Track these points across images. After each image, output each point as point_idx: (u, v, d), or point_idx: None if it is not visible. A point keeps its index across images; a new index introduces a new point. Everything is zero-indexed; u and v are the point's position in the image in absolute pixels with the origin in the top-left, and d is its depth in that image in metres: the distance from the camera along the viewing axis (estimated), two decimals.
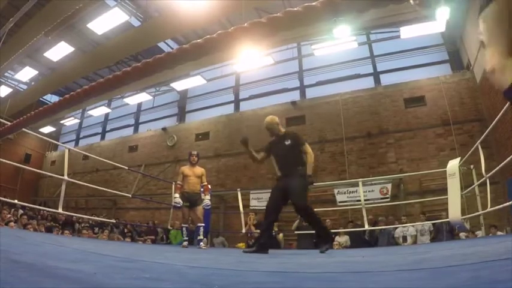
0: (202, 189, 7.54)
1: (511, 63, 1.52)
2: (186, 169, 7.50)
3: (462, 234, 9.07)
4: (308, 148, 5.42)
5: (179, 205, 7.23)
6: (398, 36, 13.12)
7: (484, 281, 1.14)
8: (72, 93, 1.73)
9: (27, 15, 11.73)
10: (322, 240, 5.26)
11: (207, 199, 7.37)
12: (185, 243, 7.22)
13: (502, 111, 5.85)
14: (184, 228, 7.37)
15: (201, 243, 7.02)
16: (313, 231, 9.30)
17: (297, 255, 3.68)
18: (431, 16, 11.15)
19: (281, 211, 5.39)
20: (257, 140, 14.79)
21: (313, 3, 1.08)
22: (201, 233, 7.18)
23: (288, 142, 5.43)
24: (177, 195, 7.28)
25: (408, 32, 12.52)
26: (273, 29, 1.16)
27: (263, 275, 1.78)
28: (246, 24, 1.18)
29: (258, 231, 11.05)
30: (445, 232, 9.09)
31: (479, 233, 8.34)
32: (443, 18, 11.11)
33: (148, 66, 1.39)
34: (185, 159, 15.96)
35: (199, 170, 7.59)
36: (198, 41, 1.28)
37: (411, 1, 1.19)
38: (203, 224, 7.32)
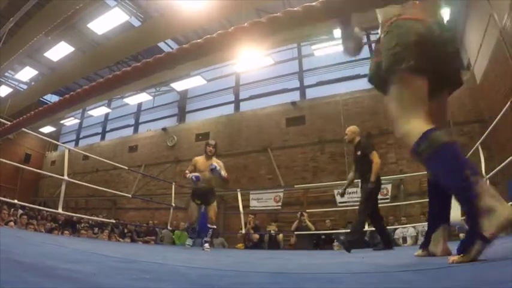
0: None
1: (412, 128, 1.97)
2: (199, 161, 6.73)
3: (462, 235, 9.07)
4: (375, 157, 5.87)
5: (196, 180, 6.37)
6: None
7: (484, 282, 1.14)
8: (72, 93, 1.73)
9: (27, 15, 11.74)
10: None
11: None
12: (189, 241, 6.95)
13: (502, 112, 5.86)
14: (190, 229, 7.06)
15: (206, 244, 6.51)
16: (312, 232, 9.40)
17: (296, 256, 3.68)
18: None
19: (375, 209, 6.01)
20: (258, 140, 14.80)
21: (313, 3, 1.08)
22: (209, 235, 6.69)
23: (358, 153, 6.04)
24: (190, 173, 6.53)
25: None
26: (272, 29, 1.16)
27: (263, 275, 1.78)
28: (245, 24, 1.18)
29: (256, 233, 11.09)
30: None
31: None
32: (443, 19, 11.11)
33: (148, 66, 1.39)
34: (185, 160, 16.10)
35: (213, 162, 6.68)
36: (198, 41, 1.28)
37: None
38: (214, 226, 6.82)
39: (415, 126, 1.96)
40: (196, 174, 6.45)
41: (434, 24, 2.17)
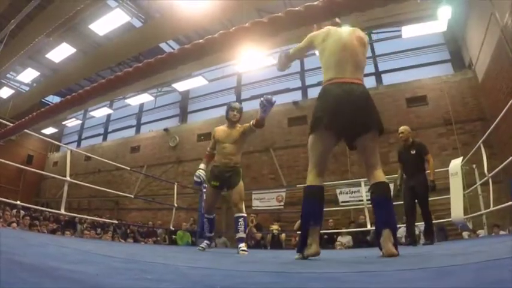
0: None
1: (309, 176, 3.04)
2: (220, 131, 5.45)
3: (465, 234, 9.07)
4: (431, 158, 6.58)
5: (199, 180, 5.31)
6: (400, 36, 13.14)
7: (487, 281, 1.14)
8: (74, 94, 1.73)
9: (29, 17, 11.77)
10: (427, 235, 6.35)
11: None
12: (204, 243, 5.44)
13: (504, 110, 5.84)
14: (206, 221, 5.49)
15: (241, 244, 4.97)
16: None
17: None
18: (433, 15, 11.15)
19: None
20: (260, 140, 14.81)
21: (315, 3, 1.08)
22: (242, 227, 5.15)
23: (413, 152, 6.52)
24: (202, 165, 5.43)
25: (410, 32, 12.53)
26: (274, 29, 1.16)
27: (266, 275, 1.78)
28: (247, 24, 1.18)
29: (258, 232, 11.10)
30: (435, 233, 9.11)
31: (482, 233, 8.34)
32: (445, 18, 11.10)
33: (150, 67, 1.39)
34: (187, 160, 16.12)
35: (236, 132, 5.41)
36: (200, 41, 1.28)
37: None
38: (243, 214, 5.22)
39: (309, 176, 3.03)
40: (199, 174, 5.33)
41: (347, 86, 2.91)
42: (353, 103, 2.84)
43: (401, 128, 6.75)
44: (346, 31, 3.23)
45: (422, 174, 6.36)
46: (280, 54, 3.59)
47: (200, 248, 5.37)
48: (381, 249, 2.84)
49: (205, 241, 5.49)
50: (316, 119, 2.93)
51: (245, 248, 4.93)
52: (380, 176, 2.97)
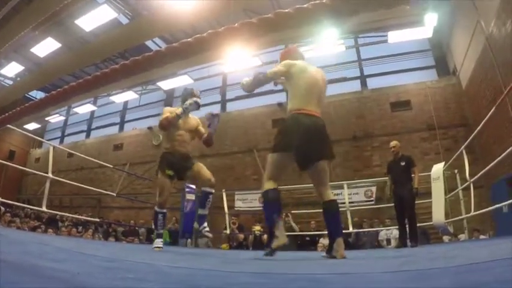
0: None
1: (267, 183, 3.42)
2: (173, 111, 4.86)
3: (446, 238, 9.18)
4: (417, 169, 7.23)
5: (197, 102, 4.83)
6: (386, 41, 13.26)
7: (468, 283, 1.15)
8: (59, 89, 1.71)
9: (15, 10, 11.61)
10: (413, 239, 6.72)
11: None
12: (159, 241, 4.70)
13: (486, 117, 5.93)
14: (160, 216, 4.80)
15: (205, 223, 4.79)
16: (297, 233, 9.51)
17: (281, 256, 3.69)
18: (419, 22, 11.26)
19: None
20: (244, 141, 14.82)
21: (305, 6, 1.09)
22: (209, 203, 4.82)
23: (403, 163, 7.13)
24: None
25: (396, 37, 12.65)
26: (263, 30, 1.16)
27: (249, 275, 1.78)
28: (236, 24, 1.18)
29: (240, 233, 11.11)
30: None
31: (462, 237, 8.44)
32: (431, 24, 11.22)
33: (137, 64, 1.38)
34: None
35: (194, 121, 5.16)
36: (188, 40, 1.28)
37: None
38: (212, 191, 4.86)
39: (267, 183, 3.41)
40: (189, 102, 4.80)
41: (313, 118, 3.40)
42: (317, 133, 3.37)
43: (393, 143, 7.40)
44: (316, 70, 3.76)
45: (409, 183, 6.92)
46: (257, 74, 3.80)
47: (156, 248, 4.57)
48: (329, 252, 3.38)
49: (160, 239, 4.75)
50: (283, 142, 3.39)
51: (208, 231, 4.81)
52: (330, 194, 3.50)
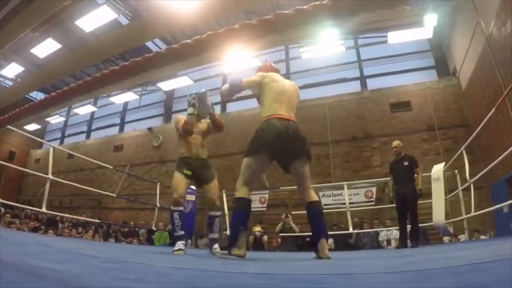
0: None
1: (240, 189, 3.54)
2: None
3: (446, 238, 9.17)
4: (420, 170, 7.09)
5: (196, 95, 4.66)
6: (386, 42, 13.27)
7: (468, 284, 1.15)
8: (58, 91, 1.71)
9: (15, 11, 11.61)
10: (413, 239, 6.69)
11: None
12: (180, 243, 4.36)
13: (486, 118, 5.92)
14: (177, 215, 4.48)
15: (216, 245, 4.64)
16: (297, 234, 9.48)
17: (281, 257, 3.70)
18: (419, 22, 11.26)
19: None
20: (243, 142, 14.81)
21: (305, 7, 1.09)
22: (217, 227, 4.82)
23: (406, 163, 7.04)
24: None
25: (395, 38, 12.65)
26: (263, 31, 1.16)
27: (249, 276, 1.78)
28: (236, 25, 1.18)
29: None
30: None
31: (463, 237, 8.43)
32: (431, 25, 11.22)
33: (137, 65, 1.38)
34: (170, 160, 16.01)
35: (204, 123, 5.06)
36: (188, 41, 1.28)
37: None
38: (218, 213, 4.88)
39: (241, 189, 3.52)
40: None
41: (285, 122, 3.52)
42: (290, 135, 3.46)
43: (395, 143, 7.29)
44: (285, 80, 3.97)
45: (412, 183, 6.86)
46: (233, 81, 3.94)
47: (177, 251, 4.29)
48: (316, 252, 3.52)
49: (181, 242, 4.42)
50: (258, 145, 3.52)
51: (218, 248, 4.58)
52: (313, 195, 3.61)
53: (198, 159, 4.77)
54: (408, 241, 6.86)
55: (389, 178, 7.43)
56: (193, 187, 9.08)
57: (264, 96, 3.77)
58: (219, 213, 4.91)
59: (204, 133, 4.99)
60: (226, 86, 4.03)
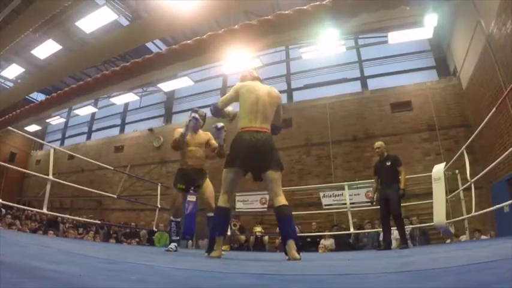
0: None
1: (221, 197, 3.80)
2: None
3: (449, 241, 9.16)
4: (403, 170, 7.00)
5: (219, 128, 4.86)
6: (386, 42, 13.25)
7: (469, 284, 1.15)
8: (59, 92, 1.71)
9: (16, 12, 11.62)
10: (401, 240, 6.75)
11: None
12: (173, 245, 5.09)
13: (487, 118, 5.92)
14: (173, 224, 5.30)
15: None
16: (298, 234, 9.46)
17: (282, 258, 3.70)
18: (420, 22, 11.25)
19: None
20: None
21: (305, 7, 1.09)
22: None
23: (388, 163, 7.04)
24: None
25: (396, 38, 12.63)
26: (263, 31, 1.16)
27: (249, 277, 1.78)
28: (236, 26, 1.18)
29: (241, 235, 11.09)
30: (417, 237, 9.19)
31: (464, 237, 8.43)
32: (431, 25, 11.21)
33: (137, 66, 1.38)
34: (171, 161, 16.02)
35: (203, 136, 5.40)
36: (188, 42, 1.28)
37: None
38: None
39: (221, 198, 3.80)
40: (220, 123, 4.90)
41: (255, 134, 3.68)
42: (258, 148, 3.63)
43: (377, 144, 7.34)
44: (262, 88, 4.02)
45: (396, 184, 6.81)
46: (211, 106, 4.17)
47: (170, 249, 5.02)
48: (286, 254, 3.55)
49: (174, 244, 5.15)
50: (230, 159, 3.77)
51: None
52: (282, 200, 3.69)
53: (193, 170, 5.23)
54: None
55: (374, 179, 7.42)
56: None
57: (240, 108, 3.95)
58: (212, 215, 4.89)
59: (203, 145, 5.38)
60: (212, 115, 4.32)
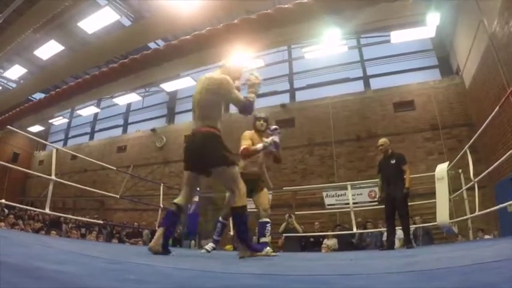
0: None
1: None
2: (255, 136, 5.06)
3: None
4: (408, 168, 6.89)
5: (274, 143, 4.73)
6: (389, 41, 13.24)
7: (473, 284, 1.13)
8: (57, 90, 1.70)
9: (17, 12, 11.64)
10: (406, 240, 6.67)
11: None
12: (210, 245, 5.19)
13: (490, 117, 5.90)
14: (219, 224, 5.29)
15: (267, 248, 4.58)
16: (300, 234, 9.45)
17: (284, 258, 3.69)
18: (422, 21, 11.23)
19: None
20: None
21: (305, 0, 1.07)
22: (268, 231, 4.89)
23: (393, 161, 6.89)
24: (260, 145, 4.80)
25: (398, 37, 12.62)
26: (263, 26, 1.14)
27: (251, 277, 1.77)
28: (235, 20, 1.17)
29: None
30: (420, 237, 9.16)
31: (460, 237, 8.44)
32: (434, 24, 11.19)
33: (136, 63, 1.37)
34: (174, 161, 16.05)
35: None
36: (187, 37, 1.27)
37: None
38: (267, 220, 4.96)
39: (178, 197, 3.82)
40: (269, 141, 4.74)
41: (191, 136, 3.78)
42: (193, 149, 3.70)
43: (381, 141, 7.17)
44: (201, 83, 3.95)
45: (401, 182, 6.64)
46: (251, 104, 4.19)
47: (205, 250, 5.14)
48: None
49: (211, 245, 5.24)
50: (183, 161, 3.81)
51: (271, 250, 4.74)
52: (233, 200, 3.67)
53: (252, 173, 4.98)
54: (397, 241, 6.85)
55: (378, 178, 7.30)
56: (197, 188, 9.07)
57: None
58: (266, 219, 5.00)
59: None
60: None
